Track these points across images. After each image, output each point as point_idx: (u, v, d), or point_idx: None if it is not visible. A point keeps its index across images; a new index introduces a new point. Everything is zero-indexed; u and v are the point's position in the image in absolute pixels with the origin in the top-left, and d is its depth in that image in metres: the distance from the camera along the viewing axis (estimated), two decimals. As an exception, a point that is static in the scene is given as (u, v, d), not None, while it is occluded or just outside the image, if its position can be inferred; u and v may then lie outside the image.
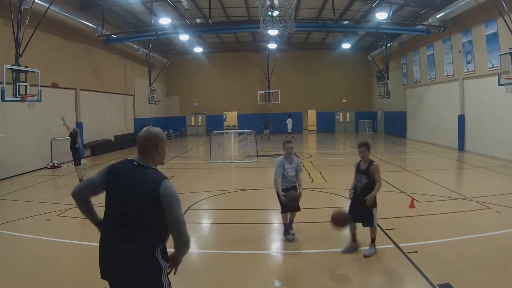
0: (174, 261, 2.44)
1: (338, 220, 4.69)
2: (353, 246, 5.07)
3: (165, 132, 27.58)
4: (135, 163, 2.40)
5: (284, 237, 5.66)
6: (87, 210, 2.59)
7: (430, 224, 6.26)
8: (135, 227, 2.26)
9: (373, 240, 4.98)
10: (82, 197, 2.54)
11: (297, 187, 5.62)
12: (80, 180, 9.95)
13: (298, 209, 5.66)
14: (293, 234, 5.66)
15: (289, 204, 5.39)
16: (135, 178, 2.33)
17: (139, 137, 2.45)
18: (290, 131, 25.58)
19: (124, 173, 2.38)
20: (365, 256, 4.83)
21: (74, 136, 10.86)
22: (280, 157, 5.65)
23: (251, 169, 13.41)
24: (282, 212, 5.68)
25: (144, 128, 2.50)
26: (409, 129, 23.16)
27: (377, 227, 5.11)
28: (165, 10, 18.42)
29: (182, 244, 2.35)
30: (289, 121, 25.68)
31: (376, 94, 27.42)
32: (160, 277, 2.30)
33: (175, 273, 2.46)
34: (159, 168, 2.47)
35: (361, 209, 4.88)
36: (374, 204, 4.90)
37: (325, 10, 19.20)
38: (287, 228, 5.66)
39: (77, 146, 10.88)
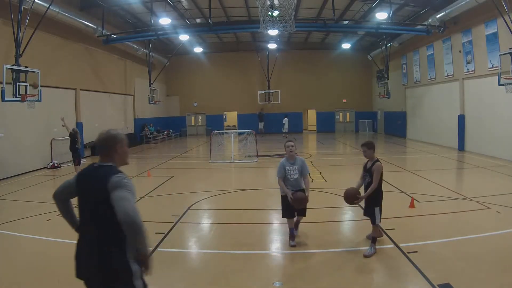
0: (140, 258, 2.30)
1: (349, 198, 5.07)
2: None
3: (165, 132, 27.48)
4: (95, 165, 2.48)
5: (289, 242, 5.38)
6: (66, 212, 2.65)
7: (430, 224, 6.26)
8: (98, 226, 2.31)
9: (373, 240, 4.99)
10: (60, 198, 2.61)
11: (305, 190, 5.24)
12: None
13: (304, 214, 5.37)
14: (294, 246, 5.26)
15: (295, 206, 5.11)
16: (91, 179, 2.41)
17: (97, 140, 2.50)
18: (286, 131, 25.52)
19: (85, 176, 2.48)
20: (365, 256, 4.83)
21: (73, 136, 10.87)
22: (283, 159, 5.39)
23: (251, 169, 13.41)
24: (283, 217, 5.43)
25: (104, 131, 2.54)
26: (409, 129, 23.14)
27: (380, 228, 5.13)
28: (165, 10, 18.42)
29: (126, 221, 2.12)
30: (286, 121, 25.65)
31: (376, 94, 27.41)
32: (131, 281, 2.29)
33: (149, 273, 2.33)
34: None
35: (366, 207, 5.05)
36: (377, 203, 4.95)
37: (325, 10, 19.19)
38: (292, 233, 5.36)
39: (76, 146, 10.90)
